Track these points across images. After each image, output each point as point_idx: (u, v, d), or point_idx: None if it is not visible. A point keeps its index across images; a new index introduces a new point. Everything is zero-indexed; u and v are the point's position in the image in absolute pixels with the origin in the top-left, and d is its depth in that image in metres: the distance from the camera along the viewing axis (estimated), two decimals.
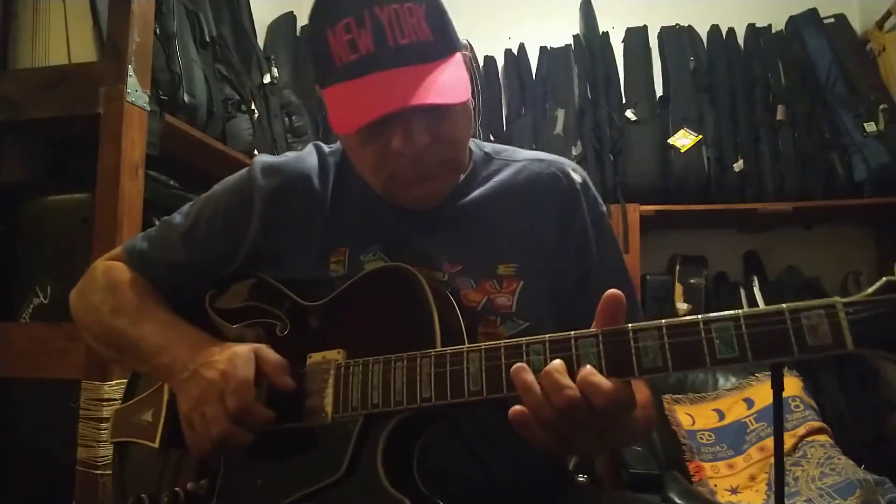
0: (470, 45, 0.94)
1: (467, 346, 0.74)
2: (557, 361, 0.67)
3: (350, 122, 0.83)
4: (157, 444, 0.90)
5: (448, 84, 0.82)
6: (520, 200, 0.96)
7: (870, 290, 0.60)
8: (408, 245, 0.93)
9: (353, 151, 0.92)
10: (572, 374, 0.67)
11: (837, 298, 0.61)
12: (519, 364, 0.69)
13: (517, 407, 0.68)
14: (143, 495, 0.90)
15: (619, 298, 0.68)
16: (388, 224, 0.94)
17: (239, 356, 0.81)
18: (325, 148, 1.01)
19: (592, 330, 0.68)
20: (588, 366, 0.66)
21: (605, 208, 1.01)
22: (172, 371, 0.84)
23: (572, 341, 0.69)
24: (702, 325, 0.64)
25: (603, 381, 0.65)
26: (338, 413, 0.79)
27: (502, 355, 0.71)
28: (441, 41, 0.84)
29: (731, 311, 0.64)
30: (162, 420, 0.91)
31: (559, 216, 0.96)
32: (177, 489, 0.87)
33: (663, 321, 0.66)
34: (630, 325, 0.67)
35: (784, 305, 0.62)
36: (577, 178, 0.99)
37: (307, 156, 0.99)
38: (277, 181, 0.95)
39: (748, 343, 0.62)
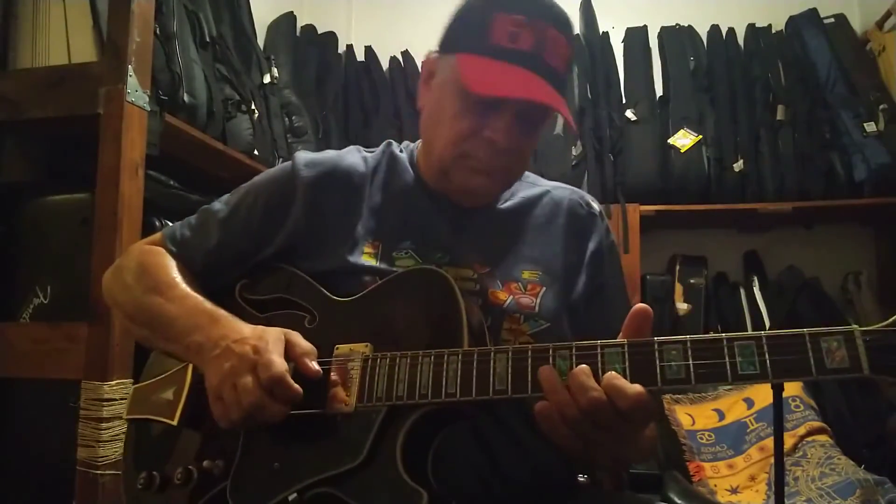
0: None
1: (495, 347, 0.76)
2: (584, 366, 0.71)
3: (494, 87, 0.89)
4: (175, 422, 0.91)
5: (565, 109, 0.92)
6: (543, 218, 1.05)
7: (888, 321, 0.65)
8: (440, 244, 0.97)
9: (439, 118, 0.96)
10: (597, 379, 0.70)
11: (856, 327, 0.65)
12: (547, 366, 0.72)
13: (543, 402, 0.71)
14: (154, 472, 0.90)
15: (647, 312, 0.73)
16: (422, 223, 0.99)
17: (270, 333, 0.83)
18: (365, 151, 1.07)
19: (619, 340, 0.72)
20: (612, 371, 0.70)
21: (615, 240, 1.10)
22: (203, 349, 0.85)
23: (598, 349, 0.72)
24: (725, 343, 0.68)
25: (627, 385, 0.68)
26: (361, 403, 0.80)
27: (529, 357, 0.74)
28: (564, 80, 0.95)
29: (754, 332, 0.69)
30: (183, 398, 0.92)
31: (576, 236, 1.04)
32: (190, 467, 0.87)
33: (688, 337, 0.70)
34: (656, 339, 0.70)
35: (805, 330, 0.66)
36: (595, 207, 1.08)
37: (347, 154, 1.05)
38: (319, 171, 1.00)
39: (769, 363, 0.66)
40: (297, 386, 0.80)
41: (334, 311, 0.91)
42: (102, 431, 1.31)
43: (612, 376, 0.69)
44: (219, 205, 1.05)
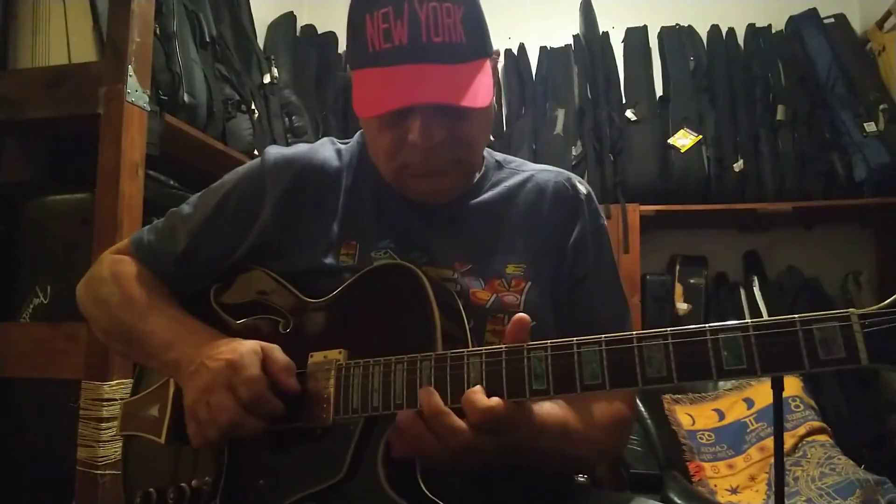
0: (499, 52, 0.96)
1: (468, 349, 0.74)
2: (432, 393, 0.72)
3: (372, 107, 0.86)
4: (162, 440, 0.91)
5: (473, 87, 0.84)
6: (527, 205, 0.99)
7: (887, 301, 0.58)
8: (418, 243, 0.94)
9: (370, 136, 0.94)
10: (573, 382, 0.68)
11: (853, 310, 0.59)
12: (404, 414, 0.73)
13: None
14: (150, 490, 0.90)
15: (524, 323, 0.72)
16: (399, 221, 0.96)
17: (244, 347, 0.81)
18: (339, 143, 1.03)
19: (596, 337, 0.68)
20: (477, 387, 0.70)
21: (605, 222, 1.04)
22: (180, 366, 0.84)
23: (574, 348, 0.68)
24: (709, 335, 0.63)
25: (457, 422, 0.70)
26: (338, 415, 0.79)
27: (503, 360, 0.71)
28: (473, 45, 0.86)
29: (740, 321, 0.63)
30: (167, 416, 0.91)
31: (561, 222, 0.99)
32: (182, 485, 0.87)
33: (669, 329, 0.65)
34: (635, 332, 0.67)
35: (796, 316, 0.60)
36: (582, 189, 1.02)
37: (321, 147, 1.01)
38: (291, 172, 0.96)
39: (757, 355, 0.61)
40: (277, 400, 0.79)
41: (308, 315, 0.89)
42: (102, 431, 1.31)
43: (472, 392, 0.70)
44: (187, 208, 1.01)
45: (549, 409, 0.80)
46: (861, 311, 0.59)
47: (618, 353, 0.66)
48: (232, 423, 0.77)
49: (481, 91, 0.85)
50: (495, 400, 0.69)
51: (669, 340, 0.65)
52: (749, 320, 0.62)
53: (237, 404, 0.77)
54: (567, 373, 0.68)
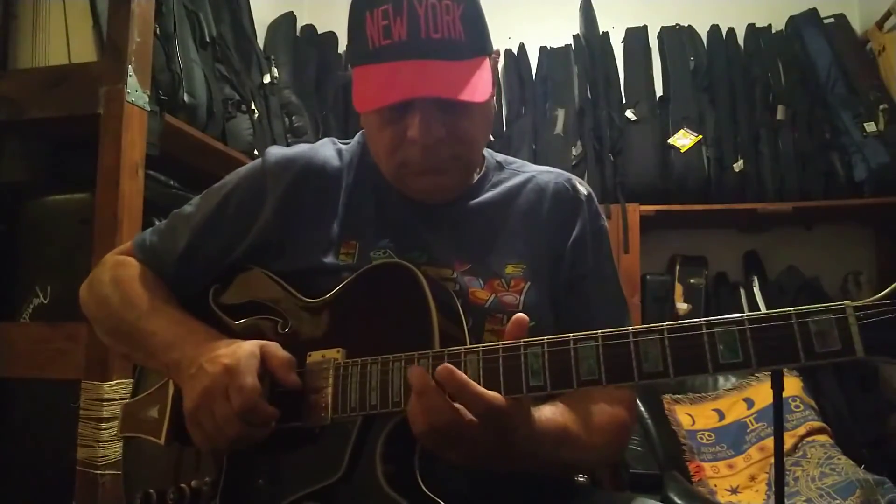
0: (499, 52, 0.97)
1: (465, 347, 0.74)
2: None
3: (371, 101, 0.87)
4: (162, 441, 0.91)
5: (472, 83, 0.85)
6: (527, 206, 0.99)
7: (882, 293, 0.58)
8: (418, 243, 0.94)
9: (371, 134, 0.94)
10: (570, 378, 0.68)
11: (848, 302, 0.59)
12: (417, 366, 0.72)
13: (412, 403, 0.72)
14: (150, 490, 0.90)
15: (523, 323, 0.72)
16: (399, 221, 0.96)
17: (243, 349, 0.81)
18: (340, 143, 1.03)
19: (592, 333, 0.68)
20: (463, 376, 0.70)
21: (606, 223, 1.04)
22: (180, 367, 0.85)
23: (571, 344, 0.68)
24: (705, 329, 0.63)
25: (482, 392, 0.69)
26: (337, 413, 0.79)
27: (500, 357, 0.71)
28: (472, 42, 0.87)
29: (736, 315, 0.62)
30: (167, 417, 0.92)
31: (561, 222, 0.99)
32: (182, 485, 0.87)
33: (664, 324, 0.65)
34: (630, 328, 0.67)
35: (791, 309, 0.60)
36: (582, 190, 1.02)
37: (321, 147, 1.01)
38: (292, 172, 0.96)
39: (753, 349, 0.61)
40: (270, 408, 0.79)
41: (306, 315, 0.90)
42: (102, 431, 1.31)
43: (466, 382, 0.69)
44: (189, 208, 1.02)
45: (548, 414, 0.80)
46: (856, 304, 0.58)
47: (614, 349, 0.66)
48: (239, 433, 0.78)
49: (480, 86, 0.86)
50: (493, 392, 0.70)
51: (665, 335, 0.64)
52: (745, 314, 0.62)
53: (237, 415, 0.77)
54: (564, 368, 0.68)
